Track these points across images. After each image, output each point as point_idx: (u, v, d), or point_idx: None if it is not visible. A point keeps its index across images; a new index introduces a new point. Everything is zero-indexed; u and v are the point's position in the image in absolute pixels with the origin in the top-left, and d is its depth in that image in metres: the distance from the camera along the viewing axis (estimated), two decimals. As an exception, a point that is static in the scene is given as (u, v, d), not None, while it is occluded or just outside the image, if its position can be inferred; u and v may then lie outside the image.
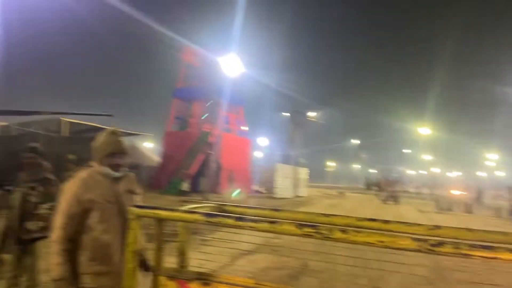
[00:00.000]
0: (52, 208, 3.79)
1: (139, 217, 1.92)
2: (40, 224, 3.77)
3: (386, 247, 1.66)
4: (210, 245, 7.22)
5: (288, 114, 37.01)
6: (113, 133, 2.45)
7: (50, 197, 3.84)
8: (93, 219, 2.28)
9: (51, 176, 3.98)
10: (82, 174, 2.37)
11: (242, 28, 27.48)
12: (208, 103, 27.53)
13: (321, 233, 1.71)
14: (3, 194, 4.02)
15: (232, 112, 28.95)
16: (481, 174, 72.01)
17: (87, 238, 2.27)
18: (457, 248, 1.55)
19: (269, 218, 2.00)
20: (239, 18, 27.47)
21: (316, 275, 5.59)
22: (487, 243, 1.60)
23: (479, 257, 1.54)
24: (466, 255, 1.55)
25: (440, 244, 1.58)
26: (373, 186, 31.62)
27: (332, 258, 5.52)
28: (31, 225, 3.75)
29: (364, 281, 5.31)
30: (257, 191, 28.74)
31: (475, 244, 1.56)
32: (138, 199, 2.49)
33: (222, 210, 2.45)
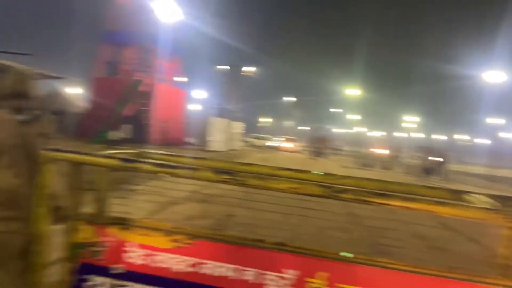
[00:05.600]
0: None
1: (51, 160, 1.84)
2: None
3: (296, 193, 1.78)
4: (139, 195, 7.22)
5: (225, 68, 36.46)
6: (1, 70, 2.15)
7: None
8: (0, 163, 2.14)
9: None
10: None
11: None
12: (141, 50, 26.13)
13: (237, 179, 1.78)
14: None
15: (168, 62, 27.85)
16: (401, 135, 77.87)
17: None
18: (356, 194, 1.71)
19: (190, 165, 2.03)
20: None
21: (243, 222, 5.86)
22: (383, 191, 1.79)
23: (375, 203, 1.72)
24: (364, 201, 1.72)
25: (344, 191, 1.74)
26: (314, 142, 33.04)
27: (259, 207, 5.83)
28: None
29: (287, 227, 5.70)
30: (189, 143, 28.64)
31: (372, 191, 1.73)
32: (52, 143, 2.37)
33: (143, 157, 2.43)
